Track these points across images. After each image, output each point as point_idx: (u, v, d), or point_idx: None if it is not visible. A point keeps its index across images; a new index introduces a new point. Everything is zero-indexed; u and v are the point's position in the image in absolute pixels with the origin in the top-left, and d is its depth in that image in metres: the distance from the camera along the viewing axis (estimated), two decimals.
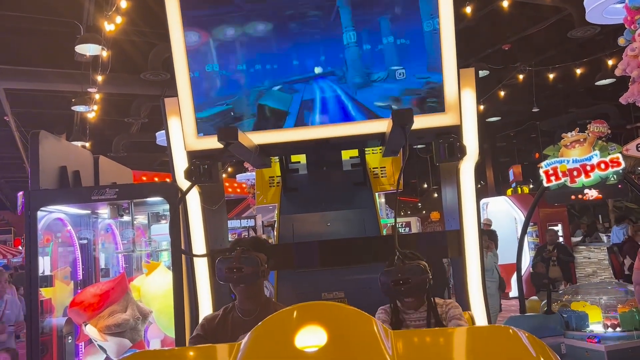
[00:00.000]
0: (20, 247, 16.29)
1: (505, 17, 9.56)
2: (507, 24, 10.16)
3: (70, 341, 3.54)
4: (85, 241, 4.22)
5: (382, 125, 2.94)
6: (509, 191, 13.62)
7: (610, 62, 10.59)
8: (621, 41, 5.87)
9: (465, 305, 3.05)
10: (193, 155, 3.07)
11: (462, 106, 2.99)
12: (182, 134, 3.04)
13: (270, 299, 2.66)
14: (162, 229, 4.03)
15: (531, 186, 15.98)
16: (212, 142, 2.89)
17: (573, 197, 6.91)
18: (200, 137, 3.01)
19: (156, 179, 13.08)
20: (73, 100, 10.08)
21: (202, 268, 3.19)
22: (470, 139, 3.04)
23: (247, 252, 2.46)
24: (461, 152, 2.96)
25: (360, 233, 3.83)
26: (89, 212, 4.21)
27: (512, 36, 10.74)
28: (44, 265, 3.65)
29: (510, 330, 1.59)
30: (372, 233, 3.87)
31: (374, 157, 4.43)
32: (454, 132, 2.99)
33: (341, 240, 3.48)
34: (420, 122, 2.67)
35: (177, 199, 3.23)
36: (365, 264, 3.38)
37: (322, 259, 3.25)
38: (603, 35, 10.01)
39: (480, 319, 2.99)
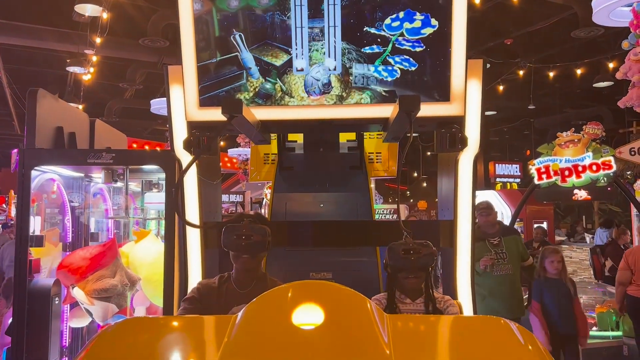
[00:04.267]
0: (4, 205, 16.12)
1: (511, 12, 9.53)
2: (511, 19, 10.12)
3: (57, 302, 3.53)
4: (75, 204, 4.19)
5: (386, 110, 2.93)
6: (498, 186, 13.73)
7: (611, 65, 10.61)
8: (625, 45, 5.89)
9: (452, 294, 3.09)
10: (193, 126, 3.05)
11: (467, 97, 3.00)
12: (184, 103, 3.01)
13: (266, 274, 2.68)
14: (155, 197, 4.00)
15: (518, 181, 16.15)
16: (213, 114, 2.87)
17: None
18: (202, 107, 2.98)
19: (147, 147, 13.00)
20: (68, 60, 9.90)
21: (194, 239, 3.20)
22: (473, 130, 3.05)
23: (255, 223, 2.49)
24: (462, 143, 2.97)
25: (353, 217, 3.85)
26: (82, 175, 4.17)
27: (515, 31, 10.72)
28: (35, 224, 3.62)
29: (502, 321, 1.63)
30: (364, 217, 3.89)
31: (369, 142, 4.43)
32: (457, 123, 3.00)
33: (337, 222, 3.50)
34: (424, 110, 2.67)
35: (174, 169, 3.21)
36: (359, 246, 3.40)
37: (315, 238, 3.27)
38: (605, 38, 10.02)
39: (467, 310, 3.03)
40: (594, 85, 11.70)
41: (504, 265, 4.99)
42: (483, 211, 5.14)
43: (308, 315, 1.55)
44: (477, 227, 5.04)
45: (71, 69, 9.90)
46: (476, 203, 4.57)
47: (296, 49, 2.92)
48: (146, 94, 13.07)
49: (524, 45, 11.44)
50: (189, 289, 3.04)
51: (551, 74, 12.05)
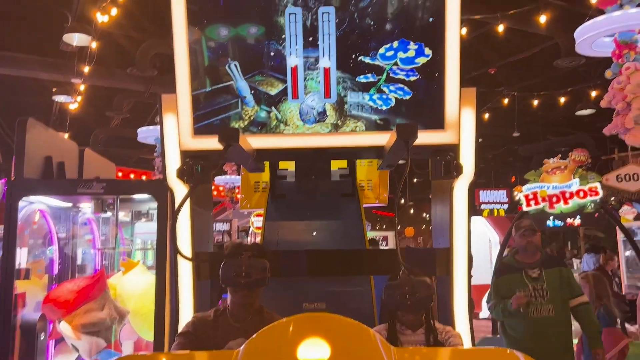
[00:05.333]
0: None
1: (494, 42, 9.74)
2: (495, 49, 10.35)
3: (42, 338, 3.41)
4: (63, 235, 4.09)
5: (382, 138, 2.93)
6: (485, 212, 13.79)
7: (593, 94, 10.85)
8: (608, 74, 6.02)
9: (449, 325, 3.04)
10: (187, 155, 3.01)
11: (461, 125, 3.01)
12: (178, 132, 2.98)
13: (263, 307, 2.62)
14: (145, 227, 3.93)
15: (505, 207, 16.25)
16: (208, 143, 2.84)
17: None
18: (196, 136, 2.95)
19: (132, 176, 12.88)
20: (54, 89, 9.85)
21: (185, 270, 3.12)
22: (467, 157, 3.06)
23: (254, 257, 2.43)
24: (457, 170, 2.97)
25: (346, 245, 3.81)
26: (70, 205, 4.09)
27: (498, 60, 10.95)
28: (21, 256, 3.52)
29: (515, 354, 1.59)
30: (358, 245, 3.85)
31: (360, 170, 4.43)
32: (451, 150, 3.01)
33: (331, 251, 3.45)
34: (419, 138, 2.67)
35: (166, 199, 3.16)
36: (353, 275, 3.36)
37: (309, 268, 3.22)
38: (586, 67, 10.27)
39: (466, 340, 2.98)
40: (576, 113, 11.94)
41: (543, 306, 3.93)
42: (526, 231, 4.10)
43: (314, 350, 1.50)
44: (512, 253, 4.35)
45: (57, 97, 9.84)
46: (517, 222, 4.20)
47: (290, 78, 2.93)
48: (133, 122, 12.99)
49: (507, 74, 11.68)
50: (180, 322, 2.97)
51: (535, 102, 12.28)
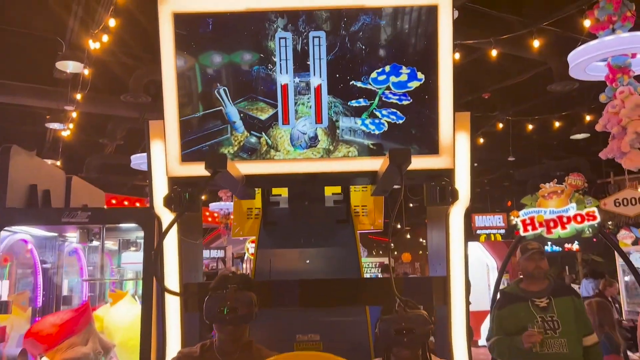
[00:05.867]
0: None
1: (488, 67, 9.79)
2: (488, 74, 10.40)
3: None
4: (48, 265, 3.96)
5: (374, 163, 2.86)
6: (482, 237, 13.69)
7: (588, 118, 10.88)
8: (602, 98, 6.01)
9: (448, 355, 2.93)
10: (174, 182, 2.93)
11: (456, 150, 2.95)
12: (165, 159, 2.90)
13: (252, 341, 2.50)
14: (132, 257, 3.81)
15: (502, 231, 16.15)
16: (196, 169, 2.77)
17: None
18: (184, 163, 2.87)
19: (126, 203, 12.77)
20: (47, 117, 9.80)
21: (172, 301, 3.01)
22: (463, 183, 2.99)
23: (240, 291, 2.31)
24: (453, 196, 2.90)
25: (341, 273, 3.71)
26: (56, 234, 3.97)
27: (492, 85, 11.00)
28: (2, 289, 3.39)
29: None
30: (353, 273, 3.75)
31: (355, 195, 4.35)
32: (446, 176, 2.94)
33: (324, 281, 3.35)
34: (413, 163, 2.60)
35: (153, 227, 3.06)
36: (348, 306, 3.25)
37: (302, 298, 3.11)
38: (580, 91, 10.32)
39: None
40: (571, 137, 11.95)
41: (554, 340, 3.48)
42: (534, 254, 3.63)
43: None
44: (516, 281, 3.90)
45: (50, 125, 9.79)
46: (523, 243, 3.64)
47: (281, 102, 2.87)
48: (127, 149, 12.95)
49: (501, 98, 11.73)
50: (167, 356, 2.85)
51: (529, 126, 12.31)
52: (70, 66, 7.68)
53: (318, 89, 2.86)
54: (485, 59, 8.87)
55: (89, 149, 13.93)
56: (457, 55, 7.00)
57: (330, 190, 4.13)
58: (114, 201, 11.94)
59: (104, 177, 14.53)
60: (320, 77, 2.85)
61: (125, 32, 7.74)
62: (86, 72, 7.33)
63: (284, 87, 2.87)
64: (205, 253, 16.79)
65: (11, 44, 8.64)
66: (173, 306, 3.00)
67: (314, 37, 2.84)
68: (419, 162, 2.84)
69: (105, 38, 6.17)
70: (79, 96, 8.19)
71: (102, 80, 9.30)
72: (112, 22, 5.84)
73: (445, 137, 2.91)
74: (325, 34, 2.83)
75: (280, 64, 2.85)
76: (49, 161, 10.34)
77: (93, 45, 6.30)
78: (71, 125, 9.62)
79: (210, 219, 16.83)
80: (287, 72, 2.85)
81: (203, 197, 14.89)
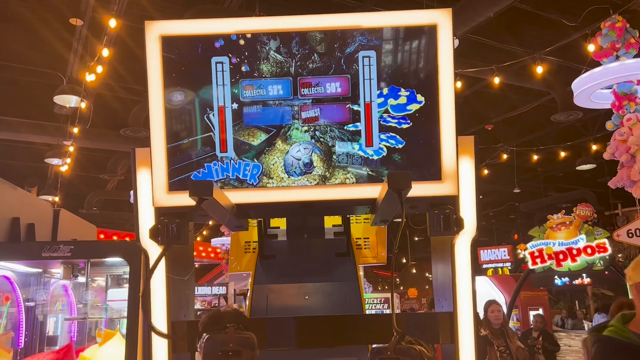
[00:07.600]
0: None
1: (490, 98, 9.73)
2: (491, 105, 10.33)
3: None
4: (32, 304, 3.75)
5: (374, 190, 2.69)
6: (490, 271, 13.37)
7: (594, 147, 10.72)
8: (609, 126, 5.89)
9: None
10: (161, 213, 2.76)
11: (460, 175, 2.78)
12: (152, 188, 2.74)
13: None
14: (118, 294, 3.61)
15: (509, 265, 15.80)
16: (184, 199, 2.60)
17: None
18: (171, 192, 2.71)
19: (115, 238, 12.51)
20: (48, 153, 9.77)
21: (160, 342, 2.80)
22: (468, 211, 2.80)
23: (240, 331, 2.13)
24: (458, 225, 2.72)
25: (342, 309, 3.51)
26: (40, 270, 3.78)
27: (495, 116, 10.92)
28: None
29: None
30: (354, 309, 3.55)
31: (356, 227, 4.19)
32: (450, 203, 2.76)
33: (323, 318, 3.14)
34: (414, 190, 2.43)
35: (139, 262, 2.87)
36: (348, 345, 3.02)
37: (299, 338, 2.89)
38: (584, 121, 10.22)
39: None
40: (577, 167, 11.79)
41: None
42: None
43: None
44: (618, 318, 3.05)
45: (49, 160, 9.74)
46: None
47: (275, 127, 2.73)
48: (128, 185, 12.85)
49: (505, 130, 11.63)
50: None
51: (534, 157, 12.17)
52: (68, 100, 7.64)
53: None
54: (487, 90, 8.82)
55: (90, 185, 13.86)
56: (459, 85, 6.93)
57: (330, 222, 3.97)
58: (102, 236, 11.70)
59: (106, 214, 14.43)
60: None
61: (124, 67, 7.76)
62: (83, 105, 7.28)
63: (278, 112, 2.73)
64: (207, 290, 16.46)
65: (10, 79, 8.67)
66: (160, 347, 2.80)
67: (308, 59, 2.72)
68: (420, 189, 2.67)
69: (99, 69, 6.13)
70: (75, 130, 8.12)
71: (102, 116, 9.29)
72: (105, 52, 5.81)
73: (448, 162, 2.75)
74: (319, 56, 2.71)
75: (272, 87, 2.72)
76: (49, 197, 10.25)
77: (89, 77, 6.26)
78: (68, 160, 9.54)
79: (212, 255, 16.58)
80: (280, 95, 2.72)
81: (204, 232, 14.67)
